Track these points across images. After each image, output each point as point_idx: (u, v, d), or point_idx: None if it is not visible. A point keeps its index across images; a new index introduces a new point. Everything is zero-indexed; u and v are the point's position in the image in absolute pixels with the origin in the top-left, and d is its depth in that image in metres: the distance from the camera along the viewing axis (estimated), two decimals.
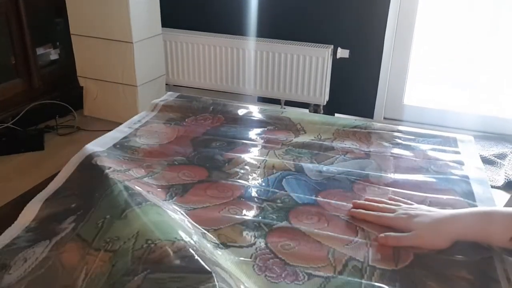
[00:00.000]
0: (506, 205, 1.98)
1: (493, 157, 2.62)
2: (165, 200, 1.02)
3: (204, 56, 3.09)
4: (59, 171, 1.15)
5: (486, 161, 2.58)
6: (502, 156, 2.64)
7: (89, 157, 1.13)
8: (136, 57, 2.78)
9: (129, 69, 2.80)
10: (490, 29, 3.05)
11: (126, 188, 0.97)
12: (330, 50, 2.90)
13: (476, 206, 1.04)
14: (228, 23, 3.09)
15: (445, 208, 1.01)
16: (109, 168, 1.08)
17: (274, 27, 3.03)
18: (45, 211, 0.99)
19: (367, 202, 1.04)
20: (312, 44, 2.94)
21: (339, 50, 2.95)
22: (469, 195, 1.08)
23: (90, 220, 0.89)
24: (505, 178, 2.40)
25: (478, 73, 3.17)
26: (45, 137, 2.75)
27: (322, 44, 2.93)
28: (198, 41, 3.06)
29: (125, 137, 1.31)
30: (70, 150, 2.63)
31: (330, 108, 3.06)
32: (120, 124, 1.42)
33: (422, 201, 1.05)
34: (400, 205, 1.01)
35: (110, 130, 1.36)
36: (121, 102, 2.88)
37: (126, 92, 2.85)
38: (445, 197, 1.07)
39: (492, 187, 1.45)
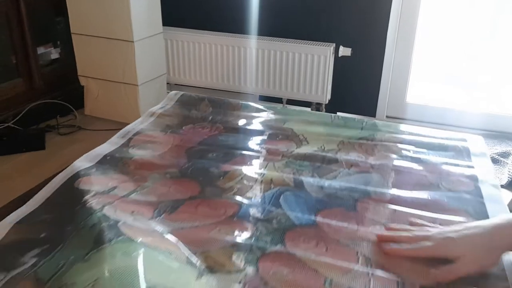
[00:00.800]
0: (510, 204, 1.90)
1: (497, 156, 2.54)
2: (152, 218, 0.93)
3: (205, 54, 2.99)
4: (59, 171, 1.07)
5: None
6: (505, 155, 2.56)
7: (73, 178, 1.03)
8: (137, 56, 2.69)
9: (130, 68, 2.71)
10: (492, 27, 2.97)
11: (101, 219, 0.87)
12: (332, 48, 2.81)
13: None
14: (230, 22, 3.00)
15: None
16: (91, 192, 0.98)
17: (276, 25, 2.94)
18: (12, 237, 0.88)
19: (395, 234, 0.89)
20: (314, 42, 2.84)
21: (341, 48, 2.85)
22: (483, 217, 0.96)
23: (53, 259, 0.79)
24: (509, 177, 2.32)
25: (481, 71, 3.08)
26: (46, 136, 2.67)
27: (324, 42, 2.84)
28: (199, 40, 2.97)
29: (117, 148, 1.21)
30: (71, 149, 2.60)
31: (332, 107, 2.96)
32: (121, 123, 1.31)
33: (430, 222, 0.95)
34: (429, 231, 0.88)
35: (110, 129, 1.28)
36: (122, 101, 2.79)
37: (127, 91, 2.77)
38: (456, 219, 0.95)
39: None
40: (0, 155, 2.49)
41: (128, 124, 1.39)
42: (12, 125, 2.62)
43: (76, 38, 2.79)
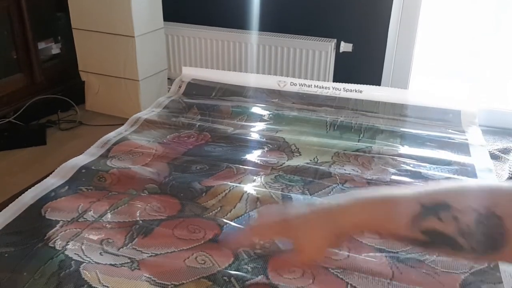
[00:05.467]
0: None
1: (498, 152, 2.41)
2: (123, 247, 0.80)
3: (206, 50, 2.85)
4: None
5: (490, 156, 2.37)
6: (506, 151, 2.43)
7: (42, 201, 0.90)
8: (138, 51, 2.56)
9: (131, 63, 2.58)
10: (494, 22, 2.81)
11: (62, 265, 0.74)
12: (333, 44, 2.66)
13: None
14: (231, 17, 2.85)
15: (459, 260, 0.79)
16: (58, 223, 0.85)
17: (277, 21, 2.78)
18: None
19: None
20: (315, 38, 2.68)
21: (342, 44, 2.70)
22: None
23: None
24: (509, 173, 2.19)
25: (483, 67, 2.93)
26: (47, 131, 2.55)
27: (325, 38, 2.68)
28: (200, 35, 2.82)
29: (94, 159, 1.08)
30: (72, 144, 2.47)
31: None
32: (122, 119, 1.26)
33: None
34: None
35: (111, 125, 1.15)
36: (123, 96, 2.66)
37: (128, 87, 2.64)
38: None
39: None
40: (1, 151, 2.38)
41: (128, 119, 1.28)
42: (13, 120, 2.50)
43: (77, 33, 2.66)
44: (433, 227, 0.58)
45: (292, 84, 1.48)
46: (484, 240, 0.57)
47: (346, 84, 1.43)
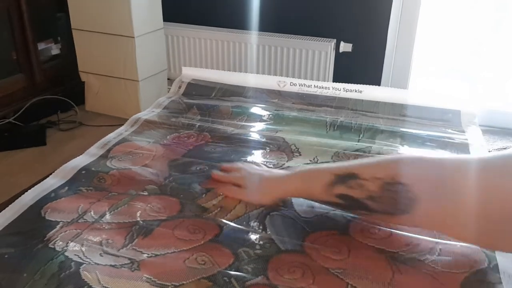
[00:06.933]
0: None
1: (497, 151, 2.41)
2: (123, 247, 0.81)
3: (206, 50, 2.85)
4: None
5: None
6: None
7: (42, 202, 0.90)
8: (138, 52, 2.56)
9: (130, 64, 2.58)
10: (494, 22, 2.82)
11: (62, 266, 0.74)
12: (333, 44, 2.66)
13: (495, 258, 0.80)
14: (231, 17, 2.86)
15: (459, 260, 0.79)
16: (58, 224, 0.85)
17: (277, 21, 2.79)
18: None
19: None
20: (315, 38, 2.69)
21: (342, 44, 2.70)
22: None
23: None
24: None
25: (483, 67, 2.93)
26: (47, 132, 2.56)
27: (324, 38, 2.69)
28: (200, 36, 2.83)
29: (94, 160, 1.08)
30: (72, 145, 2.48)
31: None
32: (122, 119, 1.24)
33: (431, 248, 0.81)
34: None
35: (111, 125, 1.15)
36: (123, 97, 2.66)
37: (128, 87, 2.64)
38: (459, 244, 0.82)
39: None
40: (1, 151, 2.39)
41: (128, 119, 1.28)
42: (13, 121, 2.51)
43: (77, 33, 2.67)
44: (343, 192, 0.79)
45: (292, 84, 1.48)
46: (394, 203, 0.74)
47: (346, 84, 1.43)
